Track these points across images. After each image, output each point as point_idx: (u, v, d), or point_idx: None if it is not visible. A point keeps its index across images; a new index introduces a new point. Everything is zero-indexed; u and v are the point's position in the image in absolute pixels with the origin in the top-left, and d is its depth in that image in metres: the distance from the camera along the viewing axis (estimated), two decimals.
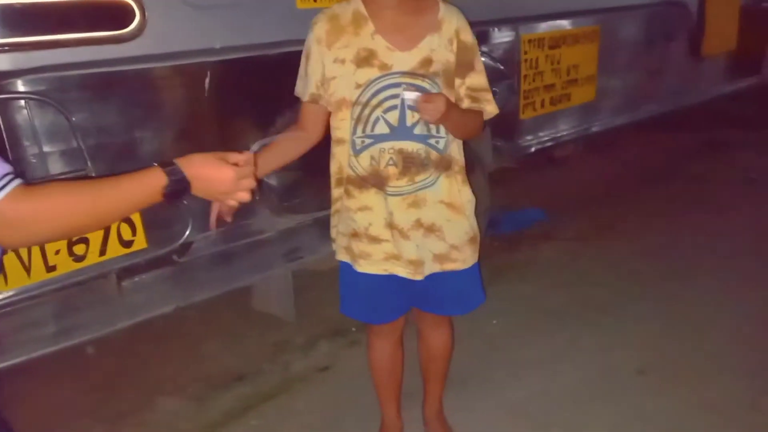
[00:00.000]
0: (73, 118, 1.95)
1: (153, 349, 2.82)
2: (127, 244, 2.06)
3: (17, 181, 1.01)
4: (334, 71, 1.71)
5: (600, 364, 2.61)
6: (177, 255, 2.22)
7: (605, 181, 4.72)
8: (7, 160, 1.03)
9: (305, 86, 1.78)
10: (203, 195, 1.19)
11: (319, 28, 1.72)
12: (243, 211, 2.43)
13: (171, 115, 2.15)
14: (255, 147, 1.30)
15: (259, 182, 1.30)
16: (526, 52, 3.37)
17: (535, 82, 3.47)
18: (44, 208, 1.02)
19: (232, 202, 1.23)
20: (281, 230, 2.53)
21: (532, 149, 3.56)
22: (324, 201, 2.60)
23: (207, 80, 2.21)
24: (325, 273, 3.00)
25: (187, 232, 2.19)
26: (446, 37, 1.72)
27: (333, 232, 1.95)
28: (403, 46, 1.69)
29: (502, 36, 3.27)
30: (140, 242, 2.08)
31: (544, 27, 3.47)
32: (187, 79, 2.18)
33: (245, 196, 1.21)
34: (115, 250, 2.03)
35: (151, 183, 1.10)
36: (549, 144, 3.68)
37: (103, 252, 2.00)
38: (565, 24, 3.59)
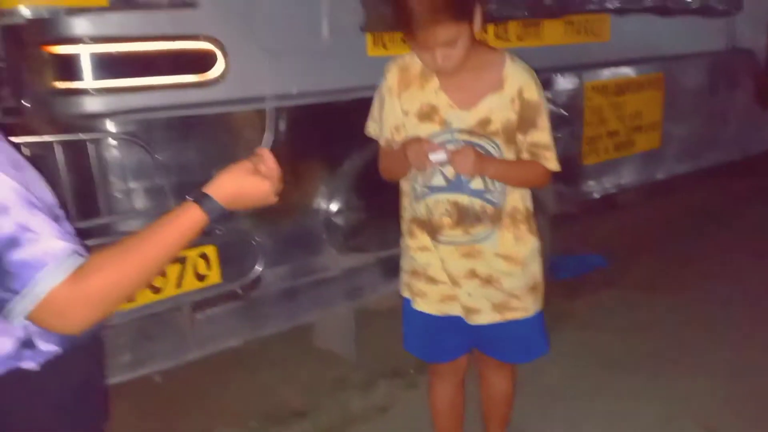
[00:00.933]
0: (158, 157, 2.07)
1: (214, 380, 2.88)
2: (202, 277, 2.14)
3: (77, 260, 1.00)
4: (401, 120, 1.77)
5: (664, 419, 2.53)
6: (247, 290, 2.29)
7: (667, 228, 4.62)
8: (69, 227, 1.04)
9: (380, 130, 1.84)
10: (242, 208, 1.19)
11: (391, 77, 1.77)
12: (309, 248, 2.52)
13: (248, 156, 2.25)
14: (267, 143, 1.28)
15: None
16: (589, 99, 3.39)
17: (599, 128, 3.47)
18: (98, 287, 1.00)
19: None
20: (345, 269, 2.59)
21: (595, 195, 3.53)
22: (387, 241, 2.66)
23: (284, 123, 2.31)
24: (386, 312, 3.03)
25: (259, 268, 2.27)
26: (508, 96, 1.72)
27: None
28: (463, 104, 1.71)
29: (565, 83, 3.30)
30: (214, 276, 2.16)
31: (607, 74, 3.48)
32: (264, 122, 2.29)
33: (275, 199, 1.21)
34: (190, 283, 2.12)
35: (193, 227, 1.10)
36: (612, 190, 3.65)
37: (179, 284, 2.09)
38: (629, 71, 3.59)
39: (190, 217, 1.09)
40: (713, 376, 2.78)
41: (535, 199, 1.91)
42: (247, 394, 2.82)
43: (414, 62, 1.75)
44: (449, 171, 1.73)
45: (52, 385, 1.15)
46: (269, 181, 1.17)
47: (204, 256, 2.13)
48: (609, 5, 3.33)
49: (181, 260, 2.09)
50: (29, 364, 1.11)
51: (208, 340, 2.24)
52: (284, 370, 2.98)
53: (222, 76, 2.14)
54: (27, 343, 1.10)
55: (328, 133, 2.44)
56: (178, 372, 2.69)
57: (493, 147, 1.73)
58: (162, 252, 1.08)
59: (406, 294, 1.95)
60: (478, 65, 1.72)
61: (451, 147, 1.68)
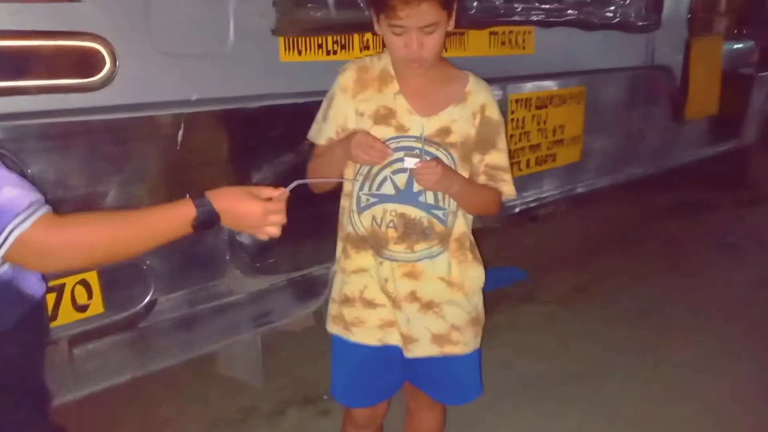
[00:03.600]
0: (30, 171, 1.80)
1: (107, 413, 2.60)
2: (82, 308, 1.89)
3: (45, 209, 1.07)
4: (353, 123, 1.65)
5: None
6: (136, 320, 2.05)
7: (585, 242, 4.69)
8: (35, 188, 1.08)
9: (322, 130, 1.69)
10: (232, 227, 1.24)
11: (347, 77, 1.66)
12: (211, 270, 2.30)
13: (140, 169, 2.01)
14: (292, 185, 1.32)
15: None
16: (513, 112, 3.32)
17: (521, 141, 3.40)
18: (71, 237, 1.08)
19: (262, 236, 1.24)
20: (252, 292, 2.37)
21: (516, 210, 3.47)
22: (300, 261, 2.48)
23: (181, 132, 2.07)
24: (297, 333, 2.86)
25: (148, 296, 2.03)
26: (470, 110, 1.66)
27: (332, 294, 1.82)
28: (423, 111, 1.63)
29: None
30: (96, 306, 1.91)
31: (530, 87, 3.42)
32: (159, 131, 2.05)
33: (274, 231, 1.23)
34: (68, 315, 1.86)
35: (180, 215, 1.14)
36: (533, 204, 3.61)
37: (54, 317, 1.83)
38: (551, 84, 3.55)
39: (181, 210, 1.14)
40: (626, 398, 2.77)
41: None
42: (144, 427, 2.58)
43: (373, 65, 1.66)
44: (399, 180, 1.62)
45: None
46: (264, 212, 1.19)
47: (84, 283, 1.88)
48: (534, 17, 3.27)
49: (57, 289, 1.83)
50: None
51: (90, 378, 1.98)
52: (185, 399, 2.74)
53: (109, 80, 1.89)
54: None
55: (234, 144, 2.22)
56: (63, 408, 2.42)
57: (448, 159, 1.62)
58: (142, 232, 1.13)
59: (336, 329, 1.78)
60: (441, 77, 1.66)
61: (401, 154, 1.58)
